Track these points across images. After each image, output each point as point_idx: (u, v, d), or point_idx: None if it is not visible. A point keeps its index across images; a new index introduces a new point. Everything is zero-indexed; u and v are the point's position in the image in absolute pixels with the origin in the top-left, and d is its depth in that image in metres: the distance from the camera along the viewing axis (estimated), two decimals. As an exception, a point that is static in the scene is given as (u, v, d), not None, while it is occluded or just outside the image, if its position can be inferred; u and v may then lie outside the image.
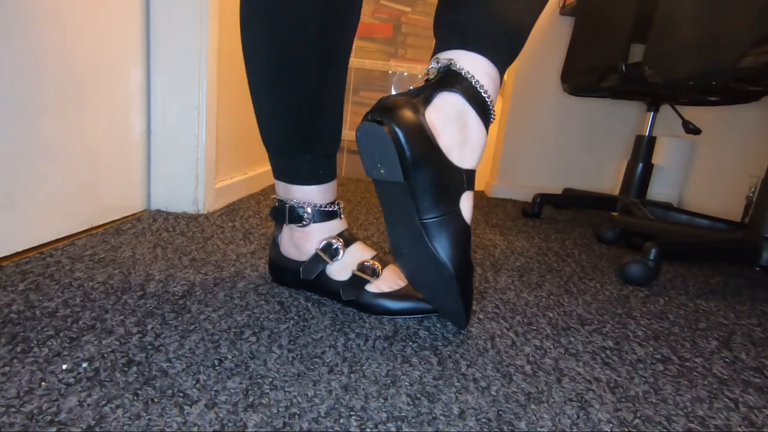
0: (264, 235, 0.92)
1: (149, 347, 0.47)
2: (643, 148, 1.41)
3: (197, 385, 0.42)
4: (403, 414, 0.41)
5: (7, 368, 0.41)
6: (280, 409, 0.40)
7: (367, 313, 0.61)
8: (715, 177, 1.56)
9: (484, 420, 0.42)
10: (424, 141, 0.46)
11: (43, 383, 0.40)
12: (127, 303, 0.56)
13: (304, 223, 0.63)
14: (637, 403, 0.48)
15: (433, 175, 0.48)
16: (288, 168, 0.64)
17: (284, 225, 0.66)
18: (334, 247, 0.63)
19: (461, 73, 0.49)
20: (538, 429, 0.42)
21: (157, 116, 0.97)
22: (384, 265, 0.64)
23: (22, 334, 0.47)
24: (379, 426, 0.40)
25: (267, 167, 1.43)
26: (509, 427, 0.41)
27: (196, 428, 0.37)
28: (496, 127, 1.94)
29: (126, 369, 0.43)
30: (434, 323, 0.61)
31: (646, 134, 1.41)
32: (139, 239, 0.80)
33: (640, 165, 1.41)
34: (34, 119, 0.68)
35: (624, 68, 1.17)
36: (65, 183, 0.75)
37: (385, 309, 0.61)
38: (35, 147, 0.69)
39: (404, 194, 0.48)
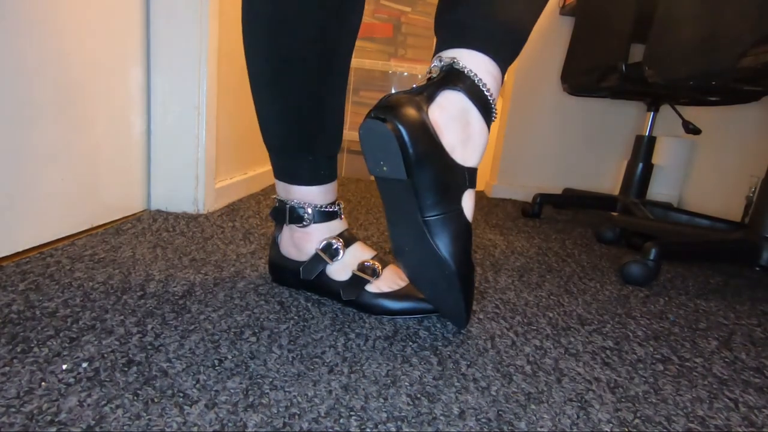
0: (264, 235, 0.92)
1: (149, 347, 0.47)
2: (643, 148, 1.41)
3: (197, 385, 0.42)
4: (403, 414, 0.41)
5: (7, 368, 0.41)
6: (280, 409, 0.40)
7: (367, 313, 0.61)
8: (715, 177, 1.56)
9: (484, 420, 0.42)
10: (427, 139, 0.47)
11: (43, 383, 0.40)
12: (127, 303, 0.56)
13: (305, 223, 0.63)
14: (637, 403, 0.48)
15: (435, 172, 0.48)
16: (288, 168, 0.64)
17: (284, 225, 0.66)
18: (334, 247, 0.63)
19: (464, 72, 0.49)
20: (538, 429, 0.42)
21: (157, 116, 0.97)
22: (384, 265, 0.64)
23: (22, 334, 0.47)
24: (379, 426, 0.40)
25: (267, 167, 1.43)
26: (509, 427, 0.41)
27: (196, 428, 0.37)
28: (496, 127, 1.94)
29: (126, 369, 0.43)
30: (434, 323, 0.61)
31: (646, 134, 1.41)
32: (139, 239, 0.80)
33: (640, 165, 1.41)
34: (34, 119, 0.68)
35: (624, 68, 1.17)
36: (65, 183, 0.75)
37: (385, 309, 0.61)
38: (35, 147, 0.69)
39: (407, 192, 0.49)
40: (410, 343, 0.54)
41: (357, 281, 0.61)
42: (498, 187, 1.82)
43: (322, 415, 0.40)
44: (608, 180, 1.83)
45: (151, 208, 1.01)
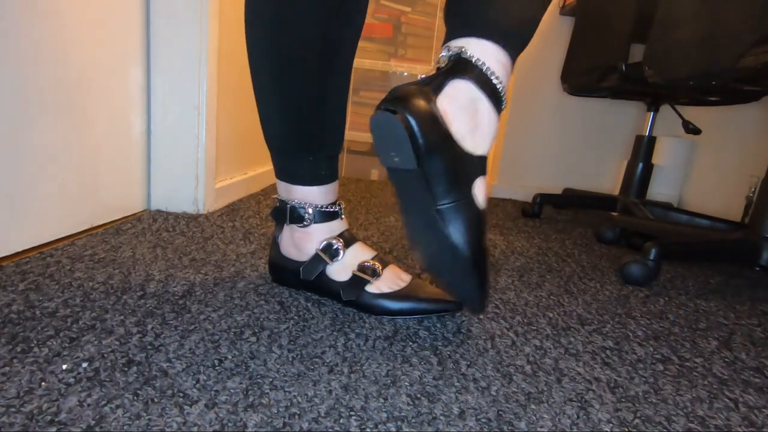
0: (264, 235, 0.92)
1: (149, 347, 0.47)
2: (643, 148, 1.41)
3: (197, 385, 0.42)
4: (403, 414, 0.41)
5: (7, 368, 0.41)
6: (280, 409, 0.40)
7: (367, 313, 0.61)
8: (715, 177, 1.56)
9: (484, 420, 0.42)
10: (436, 128, 0.47)
11: (43, 383, 0.40)
12: (127, 303, 0.56)
13: (305, 223, 0.63)
14: (637, 403, 0.48)
15: (446, 161, 0.48)
16: (289, 168, 0.64)
17: (285, 225, 0.66)
18: (335, 247, 0.63)
19: (472, 61, 0.49)
20: (538, 429, 0.42)
21: (157, 116, 0.97)
22: (384, 265, 0.64)
23: (22, 334, 0.47)
24: (379, 426, 0.40)
25: (267, 167, 1.43)
26: (509, 427, 0.41)
27: (196, 428, 0.37)
28: (496, 127, 1.94)
29: (126, 369, 0.43)
30: (434, 323, 0.61)
31: (646, 134, 1.41)
32: (139, 239, 0.80)
33: (640, 165, 1.41)
34: (34, 119, 0.68)
35: (624, 68, 1.17)
36: (65, 183, 0.75)
37: (385, 309, 0.61)
38: (35, 147, 0.69)
39: (418, 181, 0.49)
40: (410, 343, 0.54)
41: (357, 282, 0.61)
42: (498, 187, 1.82)
43: (322, 415, 0.40)
44: (608, 180, 1.83)
45: (151, 208, 1.01)
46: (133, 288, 0.61)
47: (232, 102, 1.14)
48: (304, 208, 0.63)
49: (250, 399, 0.41)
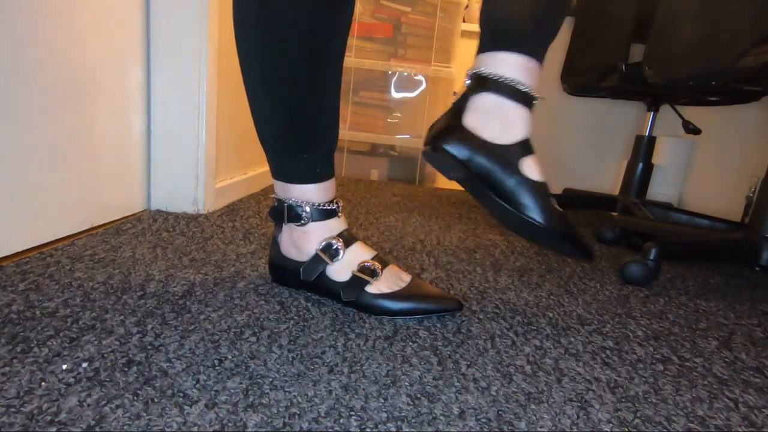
0: (264, 235, 0.92)
1: (149, 347, 0.47)
2: (643, 148, 1.41)
3: (197, 385, 0.42)
4: (403, 414, 0.41)
5: (7, 368, 0.41)
6: (280, 409, 0.40)
7: (367, 313, 0.61)
8: (715, 177, 1.56)
9: (484, 420, 0.42)
10: (469, 142, 0.57)
11: (43, 383, 0.40)
12: (127, 303, 0.56)
13: (303, 222, 0.63)
14: (637, 403, 0.48)
15: (488, 161, 0.57)
16: (285, 167, 0.64)
17: (284, 225, 0.66)
18: (334, 247, 0.63)
19: (485, 75, 0.56)
20: (538, 429, 0.42)
21: (157, 116, 0.97)
22: (384, 265, 0.64)
23: (22, 334, 0.47)
24: (379, 426, 0.40)
25: (267, 167, 1.43)
26: (509, 427, 0.41)
27: (196, 428, 0.37)
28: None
29: (126, 369, 0.43)
30: (434, 323, 0.61)
31: (646, 134, 1.41)
32: (139, 239, 0.80)
33: (640, 165, 1.41)
34: (34, 119, 0.68)
35: (624, 68, 1.17)
36: (65, 183, 0.75)
37: (385, 309, 0.61)
38: (35, 147, 0.69)
39: (477, 183, 0.58)
40: (410, 343, 0.54)
41: (357, 282, 0.61)
42: (498, 187, 1.82)
43: (322, 415, 0.40)
44: (608, 180, 1.83)
45: (151, 208, 1.01)
46: (133, 288, 0.61)
47: (232, 102, 1.14)
48: (301, 206, 0.63)
49: (250, 399, 0.41)
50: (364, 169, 2.14)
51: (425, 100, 2.22)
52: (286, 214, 0.64)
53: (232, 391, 0.42)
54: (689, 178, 1.68)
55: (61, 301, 0.55)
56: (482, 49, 0.57)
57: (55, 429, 0.35)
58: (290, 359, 0.48)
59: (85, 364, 0.43)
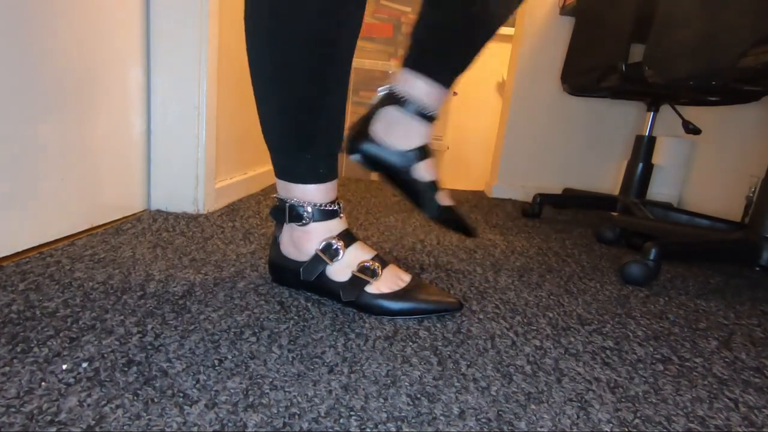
0: (264, 235, 0.92)
1: (149, 347, 0.47)
2: (643, 148, 1.41)
3: (197, 385, 0.42)
4: (403, 414, 0.41)
5: (7, 368, 0.41)
6: (280, 409, 0.40)
7: (367, 313, 0.61)
8: (715, 177, 1.56)
9: (484, 420, 0.42)
10: (375, 147, 0.69)
11: (43, 383, 0.40)
12: (127, 303, 0.56)
13: (304, 222, 0.63)
14: (637, 403, 0.48)
15: (390, 163, 0.69)
16: (288, 167, 0.64)
17: (284, 224, 0.66)
18: (334, 247, 0.63)
19: (396, 94, 0.67)
20: (538, 429, 0.42)
21: (157, 116, 0.97)
22: (384, 265, 0.64)
23: (22, 334, 0.47)
24: (379, 426, 0.40)
25: (267, 167, 1.43)
26: (509, 427, 0.41)
27: (196, 428, 0.37)
28: (496, 127, 1.94)
29: (126, 369, 0.43)
30: (434, 323, 0.61)
31: (646, 134, 1.41)
32: (139, 239, 0.80)
33: (640, 165, 1.41)
34: (34, 119, 0.68)
35: (624, 68, 1.17)
36: (65, 183, 0.75)
37: (384, 309, 0.61)
38: (35, 147, 0.69)
39: (388, 179, 0.71)
40: (410, 343, 0.54)
41: (357, 282, 0.61)
42: (498, 187, 1.82)
43: (322, 415, 0.40)
44: (608, 180, 1.83)
45: (151, 208, 1.01)
46: (133, 288, 0.61)
47: (232, 102, 1.14)
48: (302, 206, 0.63)
49: (250, 399, 0.41)
50: (364, 169, 2.14)
51: (425, 100, 2.21)
52: (287, 213, 0.64)
53: (232, 391, 0.42)
54: (689, 178, 1.68)
55: (61, 301, 0.55)
56: (404, 63, 0.67)
57: (55, 429, 0.35)
58: (290, 359, 0.48)
59: (85, 364, 0.43)
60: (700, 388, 0.52)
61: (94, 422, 0.36)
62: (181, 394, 0.41)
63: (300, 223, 0.64)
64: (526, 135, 1.80)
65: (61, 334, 0.48)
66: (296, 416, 0.40)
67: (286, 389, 0.43)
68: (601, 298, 0.78)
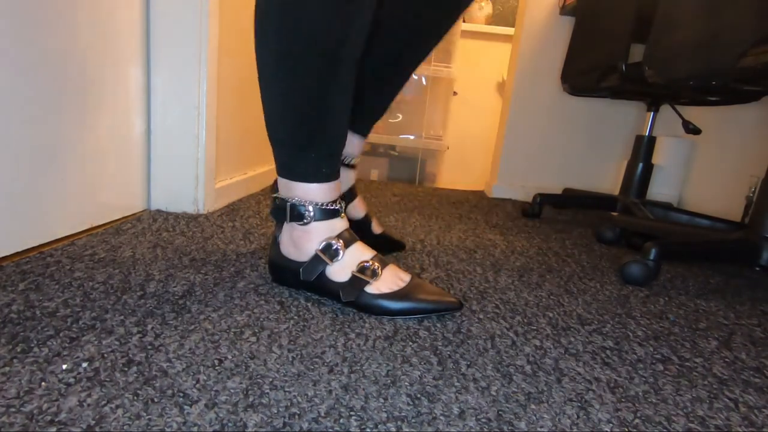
0: (264, 235, 0.92)
1: (149, 347, 0.47)
2: (643, 148, 1.41)
3: (197, 385, 0.42)
4: (403, 414, 0.41)
5: (7, 368, 0.41)
6: (280, 409, 0.40)
7: (367, 313, 0.61)
8: (715, 177, 1.56)
9: (484, 420, 0.42)
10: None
11: (43, 383, 0.40)
12: (127, 303, 0.56)
13: (305, 221, 0.63)
14: (637, 403, 0.48)
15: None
16: (291, 165, 0.64)
17: (285, 224, 0.66)
18: (334, 248, 0.63)
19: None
20: (538, 429, 0.42)
21: (157, 116, 0.97)
22: (384, 265, 0.64)
23: (22, 334, 0.47)
24: (379, 426, 0.40)
25: (267, 167, 1.43)
26: (509, 427, 0.41)
27: (196, 428, 0.37)
28: (496, 127, 1.94)
29: (126, 369, 0.43)
30: (434, 323, 0.61)
31: (646, 134, 1.41)
32: (139, 239, 0.80)
33: (640, 165, 1.41)
34: (33, 119, 0.68)
35: (624, 68, 1.17)
36: (65, 183, 0.75)
37: (385, 309, 0.61)
38: (35, 147, 0.69)
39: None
40: (410, 343, 0.54)
41: (356, 282, 0.61)
42: (498, 187, 1.82)
43: (322, 415, 0.40)
44: (608, 180, 1.83)
45: (151, 208, 1.01)
46: (133, 288, 0.61)
47: (232, 102, 1.14)
48: (304, 205, 0.63)
49: (250, 399, 0.41)
50: (364, 169, 2.14)
51: (425, 100, 2.22)
52: (288, 212, 0.64)
53: (232, 391, 0.42)
54: (689, 178, 1.68)
55: (61, 301, 0.55)
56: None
57: (55, 429, 0.35)
58: (290, 359, 0.48)
59: (85, 364, 0.43)
60: (700, 388, 0.52)
61: (94, 422, 0.36)
62: (181, 394, 0.41)
63: (301, 223, 0.64)
64: (526, 135, 1.80)
65: (61, 334, 0.48)
66: (296, 416, 0.40)
67: (286, 389, 0.43)
68: (601, 298, 0.78)
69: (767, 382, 0.55)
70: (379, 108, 0.84)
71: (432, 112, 2.23)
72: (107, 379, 0.42)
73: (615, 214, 1.24)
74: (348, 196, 0.83)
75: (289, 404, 0.41)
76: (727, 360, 0.59)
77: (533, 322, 0.64)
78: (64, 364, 0.43)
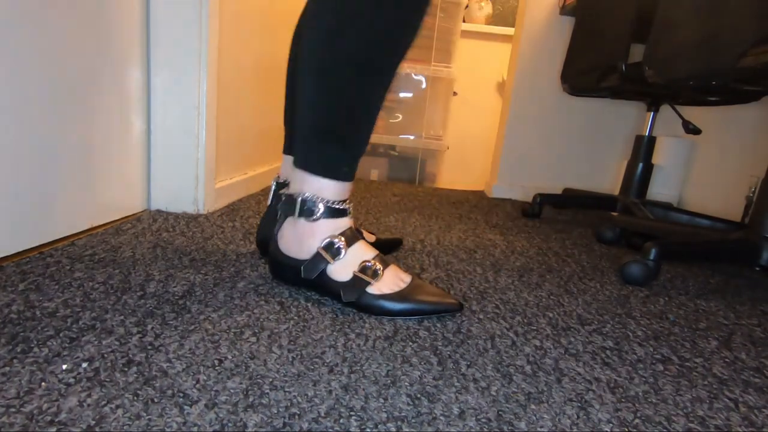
0: (264, 235, 0.92)
1: (149, 347, 0.47)
2: (643, 148, 1.41)
3: (197, 385, 0.42)
4: (403, 414, 0.41)
5: (7, 368, 0.41)
6: (280, 409, 0.40)
7: (367, 313, 0.61)
8: (715, 177, 1.56)
9: (484, 420, 0.42)
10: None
11: (43, 383, 0.40)
12: (127, 303, 0.56)
13: (314, 217, 0.63)
14: (637, 403, 0.48)
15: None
16: (312, 158, 0.63)
17: (286, 221, 0.66)
18: (336, 246, 0.63)
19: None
20: (538, 429, 0.42)
21: (157, 116, 0.97)
22: (385, 265, 0.64)
23: (22, 334, 0.47)
24: (379, 426, 0.40)
25: (267, 167, 1.43)
26: (509, 427, 0.41)
27: (196, 428, 0.37)
28: (496, 127, 1.94)
29: (126, 369, 0.43)
30: (434, 323, 0.61)
31: (646, 134, 1.41)
32: (139, 239, 0.80)
33: (640, 165, 1.41)
34: (33, 119, 0.68)
35: (624, 68, 1.17)
36: (65, 183, 0.75)
37: (385, 310, 0.61)
38: (35, 147, 0.69)
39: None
40: (410, 343, 0.54)
41: (358, 282, 0.61)
42: (498, 187, 1.82)
43: (322, 415, 0.40)
44: (608, 180, 1.83)
45: (151, 208, 1.01)
46: (133, 288, 0.61)
47: (232, 102, 1.14)
48: (314, 201, 0.63)
49: (250, 399, 0.41)
50: (364, 169, 2.14)
51: (425, 100, 2.22)
52: (298, 207, 0.64)
53: (232, 391, 0.42)
54: (689, 178, 1.68)
55: (61, 301, 0.55)
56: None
57: (55, 429, 0.35)
58: (290, 359, 0.48)
59: (85, 364, 0.43)
60: (700, 388, 0.52)
61: (94, 422, 0.36)
62: (181, 394, 0.41)
63: (309, 219, 0.63)
64: (526, 135, 1.80)
65: (61, 334, 0.48)
66: (296, 416, 0.40)
67: (286, 389, 0.43)
68: (601, 298, 0.78)
69: (767, 382, 0.55)
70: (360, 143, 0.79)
71: (432, 112, 2.23)
72: (107, 380, 0.42)
73: (615, 214, 1.24)
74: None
75: (289, 404, 0.41)
76: (727, 360, 0.59)
77: (533, 322, 0.64)
78: (64, 364, 0.43)
